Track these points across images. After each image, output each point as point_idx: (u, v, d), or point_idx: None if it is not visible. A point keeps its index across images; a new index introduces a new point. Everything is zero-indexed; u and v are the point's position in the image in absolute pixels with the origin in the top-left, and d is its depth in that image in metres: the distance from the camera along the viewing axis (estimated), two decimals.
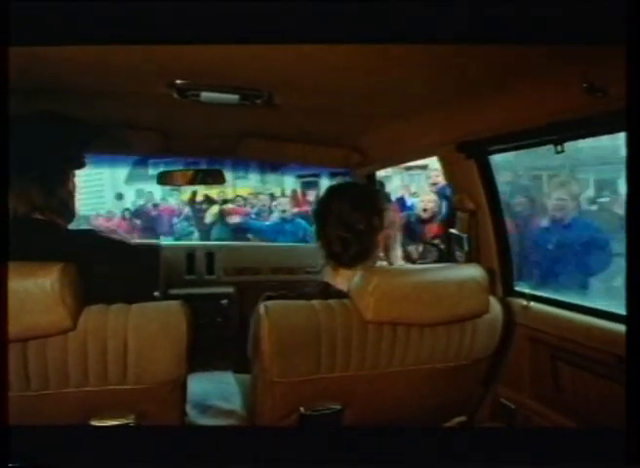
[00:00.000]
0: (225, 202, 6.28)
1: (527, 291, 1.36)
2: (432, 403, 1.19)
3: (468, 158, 1.38)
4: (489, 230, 1.42)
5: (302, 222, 4.94)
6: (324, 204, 1.21)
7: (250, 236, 5.31)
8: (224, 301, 2.26)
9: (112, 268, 1.03)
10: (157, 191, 7.55)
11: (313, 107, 1.41)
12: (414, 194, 6.49)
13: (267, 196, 6.58)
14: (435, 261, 1.79)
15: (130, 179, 8.61)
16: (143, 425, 1.00)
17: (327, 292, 1.16)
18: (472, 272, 1.13)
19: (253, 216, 6.00)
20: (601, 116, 0.98)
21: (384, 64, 1.04)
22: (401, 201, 5.32)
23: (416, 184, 7.56)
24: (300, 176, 7.69)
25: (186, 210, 6.61)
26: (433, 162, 2.31)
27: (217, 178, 2.35)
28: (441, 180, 3.46)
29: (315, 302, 1.06)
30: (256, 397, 1.13)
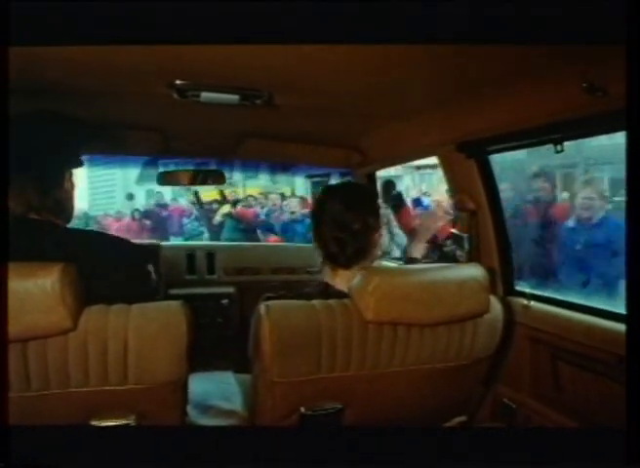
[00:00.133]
0: (237, 202, 6.27)
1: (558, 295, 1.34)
2: (433, 403, 1.19)
3: (468, 158, 1.38)
4: (489, 230, 1.42)
5: None
6: (320, 204, 1.21)
7: (261, 236, 5.31)
8: (225, 301, 2.26)
9: (111, 268, 1.03)
10: (167, 192, 7.55)
11: (313, 107, 1.41)
12: (425, 193, 6.52)
13: (278, 195, 6.58)
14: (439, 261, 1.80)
15: (140, 180, 8.62)
16: (144, 425, 1.00)
17: (327, 292, 1.16)
18: (473, 272, 1.13)
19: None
20: (601, 116, 0.98)
21: (384, 65, 1.04)
22: (417, 202, 5.35)
23: (427, 183, 7.57)
24: (309, 176, 7.69)
25: (197, 209, 6.61)
26: None
27: (217, 179, 2.36)
28: None
29: (316, 302, 1.06)
30: (256, 397, 1.13)
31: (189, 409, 1.18)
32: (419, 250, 1.41)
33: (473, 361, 1.16)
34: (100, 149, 1.94)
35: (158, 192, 7.38)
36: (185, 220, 6.90)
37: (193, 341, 1.00)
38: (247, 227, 5.56)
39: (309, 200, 6.94)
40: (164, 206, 7.26)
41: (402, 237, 3.07)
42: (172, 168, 2.67)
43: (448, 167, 1.51)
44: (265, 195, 6.94)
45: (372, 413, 1.13)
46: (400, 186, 6.31)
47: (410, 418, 1.17)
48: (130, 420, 0.99)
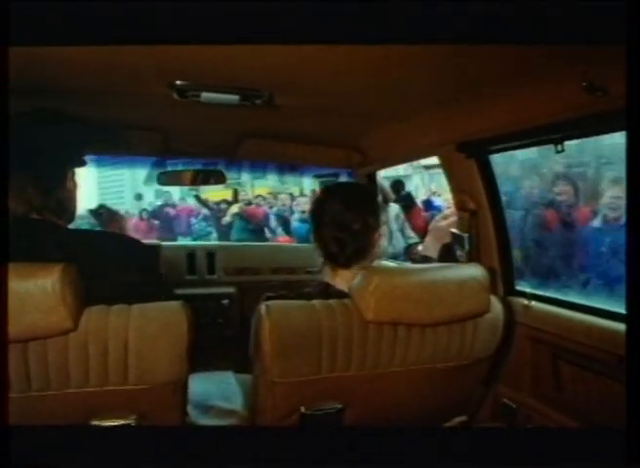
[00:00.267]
0: (250, 203, 6.27)
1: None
2: (433, 402, 1.19)
3: (469, 158, 1.38)
4: (490, 229, 1.42)
5: None
6: (319, 204, 1.21)
7: (270, 236, 5.30)
8: (225, 301, 2.26)
9: (111, 267, 1.02)
10: (175, 191, 7.53)
11: (313, 107, 1.41)
12: (434, 193, 6.52)
13: (287, 195, 6.56)
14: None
15: (149, 180, 8.60)
16: (144, 425, 1.00)
17: (327, 292, 1.16)
18: (473, 271, 1.13)
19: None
20: (601, 115, 0.98)
21: (384, 65, 1.04)
22: (428, 203, 5.35)
23: (436, 183, 7.56)
24: (317, 176, 7.67)
25: (204, 210, 6.60)
26: None
27: (217, 179, 2.36)
28: None
29: (316, 302, 1.06)
30: (256, 397, 1.13)
31: (190, 409, 1.18)
32: (433, 249, 1.41)
33: (474, 361, 1.16)
34: (100, 149, 1.94)
35: (166, 192, 7.37)
36: (193, 220, 6.89)
37: (194, 341, 1.00)
38: (256, 228, 5.56)
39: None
40: (172, 206, 7.24)
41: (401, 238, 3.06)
42: (180, 168, 2.65)
43: (448, 167, 1.51)
44: (275, 195, 6.92)
45: (372, 413, 1.13)
46: (409, 186, 6.32)
47: (410, 418, 1.17)
48: (130, 420, 0.99)
